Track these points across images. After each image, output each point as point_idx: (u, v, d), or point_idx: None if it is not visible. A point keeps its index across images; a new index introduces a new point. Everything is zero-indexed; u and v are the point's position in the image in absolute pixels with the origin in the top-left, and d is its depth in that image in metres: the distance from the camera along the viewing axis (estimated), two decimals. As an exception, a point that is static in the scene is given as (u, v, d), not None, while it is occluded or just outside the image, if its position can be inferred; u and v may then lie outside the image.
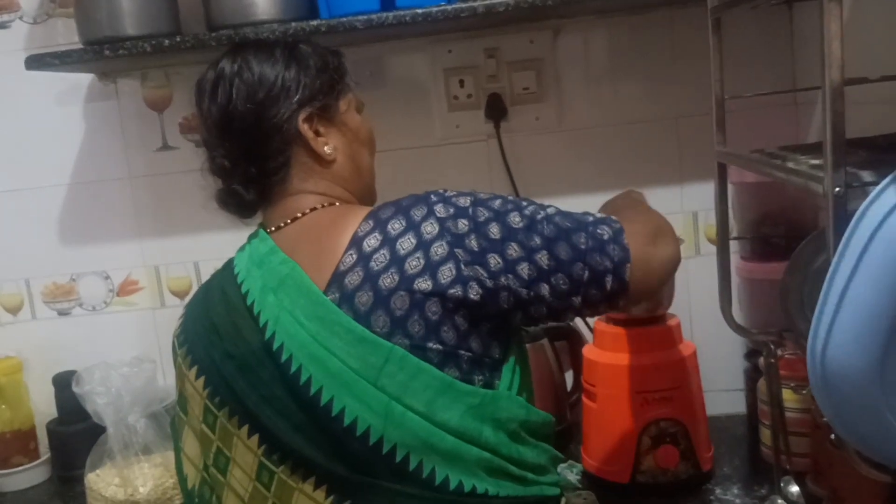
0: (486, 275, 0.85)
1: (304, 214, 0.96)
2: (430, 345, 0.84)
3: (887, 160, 0.69)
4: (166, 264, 1.65)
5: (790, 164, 0.82)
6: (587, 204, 1.54)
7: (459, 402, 0.85)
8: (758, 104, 1.35)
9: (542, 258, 0.87)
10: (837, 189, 0.65)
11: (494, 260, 0.86)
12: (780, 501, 1.03)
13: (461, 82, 1.54)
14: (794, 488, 1.03)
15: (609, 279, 0.88)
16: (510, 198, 0.93)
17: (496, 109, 1.54)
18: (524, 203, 0.92)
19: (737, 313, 1.13)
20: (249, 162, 0.97)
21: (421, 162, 1.58)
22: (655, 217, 1.00)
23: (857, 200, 0.65)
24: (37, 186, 1.65)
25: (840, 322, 0.63)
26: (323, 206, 0.97)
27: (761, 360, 1.34)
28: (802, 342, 0.94)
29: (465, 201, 0.90)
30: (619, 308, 0.94)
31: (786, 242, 1.32)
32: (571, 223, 0.90)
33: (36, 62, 1.37)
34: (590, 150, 1.55)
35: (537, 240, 0.87)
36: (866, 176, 0.68)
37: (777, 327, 1.04)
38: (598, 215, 0.94)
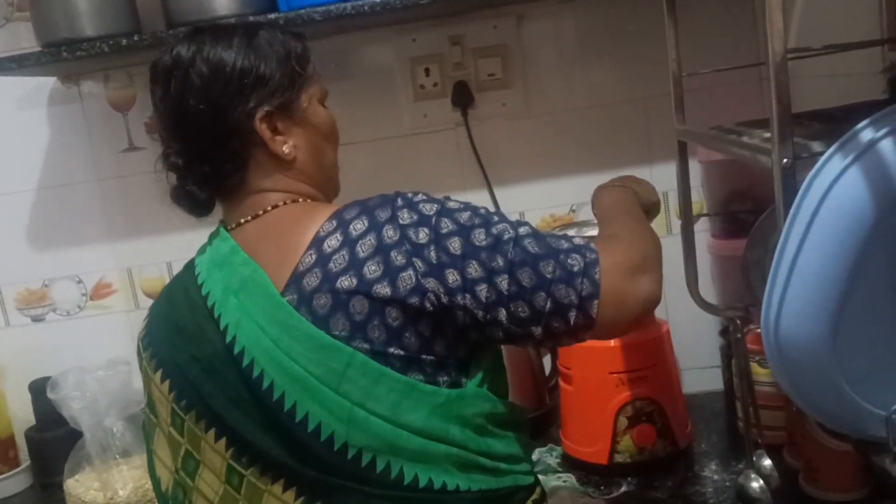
0: (442, 290, 0.82)
1: (265, 212, 0.93)
2: (392, 350, 0.83)
3: (838, 130, 0.69)
4: (139, 266, 1.64)
5: (745, 139, 0.82)
6: (557, 188, 1.57)
7: (423, 403, 0.84)
8: (724, 82, 1.35)
9: (503, 282, 0.83)
10: (785, 161, 0.65)
11: (453, 276, 0.82)
12: (752, 475, 1.03)
13: (426, 71, 1.54)
14: (767, 462, 1.03)
15: (573, 313, 0.83)
16: (481, 210, 0.88)
17: (463, 97, 1.54)
18: (495, 219, 0.87)
19: (710, 291, 1.14)
20: (204, 162, 0.93)
21: (390, 153, 1.57)
22: (642, 240, 0.93)
23: (806, 171, 0.65)
24: (4, 193, 1.63)
25: (791, 292, 0.63)
26: (286, 203, 0.94)
27: (731, 337, 1.34)
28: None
29: (430, 209, 0.86)
30: (580, 341, 0.87)
31: (754, 219, 1.32)
32: (541, 248, 0.85)
33: (-6, 67, 1.36)
34: (558, 135, 1.55)
35: (500, 261, 0.83)
36: (816, 147, 0.68)
37: (745, 303, 1.05)
38: (575, 241, 0.87)
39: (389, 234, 0.84)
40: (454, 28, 1.53)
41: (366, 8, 1.27)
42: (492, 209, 0.91)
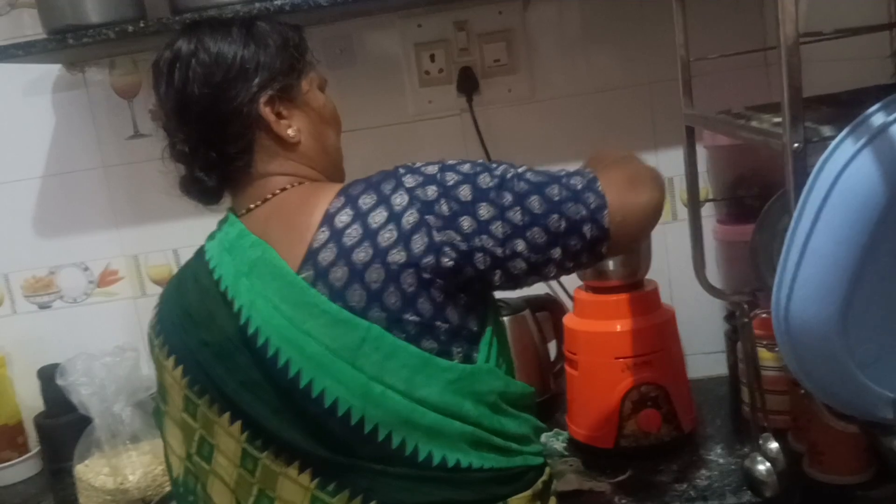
0: (459, 238, 0.85)
1: (273, 195, 0.95)
2: (407, 316, 0.84)
3: (848, 114, 0.69)
4: (145, 253, 1.64)
5: (753, 123, 0.82)
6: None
7: (437, 378, 0.85)
8: (730, 67, 1.35)
9: (515, 214, 0.86)
10: (796, 145, 0.66)
11: (467, 222, 0.85)
12: (759, 458, 1.04)
13: (432, 57, 1.54)
14: (774, 445, 1.04)
15: (587, 227, 0.87)
16: (479, 161, 0.92)
17: (468, 83, 1.54)
18: (493, 165, 0.91)
19: (716, 276, 1.14)
20: (209, 147, 0.94)
21: (395, 139, 1.57)
22: (635, 164, 0.98)
23: (816, 155, 0.66)
24: (10, 180, 1.63)
25: (802, 276, 0.64)
26: (292, 186, 0.96)
27: (738, 322, 1.35)
28: (773, 300, 0.95)
29: (432, 169, 0.89)
30: (602, 257, 0.92)
31: (760, 204, 1.32)
32: (544, 178, 0.89)
33: (0, 54, 1.36)
34: (564, 120, 1.55)
35: (508, 197, 0.86)
36: (826, 131, 0.68)
37: (751, 287, 1.05)
38: (570, 169, 0.92)
39: (398, 200, 0.86)
40: (459, 13, 1.53)
41: (371, -7, 1.27)
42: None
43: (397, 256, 0.84)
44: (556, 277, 1.07)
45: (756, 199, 1.37)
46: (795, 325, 0.65)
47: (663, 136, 1.54)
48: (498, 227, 0.86)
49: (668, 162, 1.54)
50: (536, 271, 0.89)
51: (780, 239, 0.92)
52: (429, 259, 0.84)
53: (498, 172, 0.89)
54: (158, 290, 1.62)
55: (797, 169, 0.65)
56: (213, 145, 0.94)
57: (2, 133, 1.62)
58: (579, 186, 0.88)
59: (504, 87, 1.55)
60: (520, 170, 0.90)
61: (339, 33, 1.54)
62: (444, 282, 0.85)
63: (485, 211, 0.86)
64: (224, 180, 0.97)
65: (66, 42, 1.33)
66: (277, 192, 0.95)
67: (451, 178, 0.88)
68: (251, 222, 0.94)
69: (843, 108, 0.83)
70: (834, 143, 0.62)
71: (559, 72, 1.55)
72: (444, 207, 0.85)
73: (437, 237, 0.84)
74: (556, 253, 0.88)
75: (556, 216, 0.87)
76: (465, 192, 0.86)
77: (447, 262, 0.84)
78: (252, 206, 0.96)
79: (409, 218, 0.85)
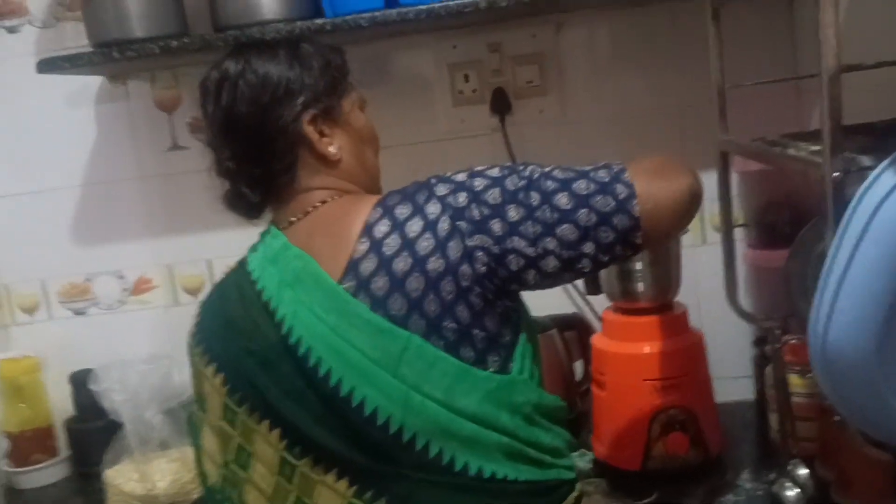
0: (490, 241, 0.86)
1: (314, 208, 0.97)
2: (446, 323, 0.86)
3: (885, 145, 0.70)
4: (179, 262, 1.67)
5: (790, 152, 0.83)
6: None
7: (477, 388, 0.87)
8: (760, 94, 1.36)
9: (545, 212, 0.87)
10: (836, 174, 0.66)
11: (498, 225, 0.87)
12: (788, 484, 1.04)
13: (466, 77, 1.56)
14: (803, 471, 1.04)
15: (618, 218, 0.87)
16: (508, 164, 0.93)
17: (501, 103, 1.55)
18: (521, 166, 0.92)
19: (744, 301, 1.15)
20: (255, 164, 0.97)
21: (427, 157, 1.59)
22: (667, 157, 0.98)
23: (855, 185, 0.66)
24: (51, 188, 1.67)
25: (839, 305, 0.64)
26: (333, 199, 0.98)
27: (769, 347, 1.35)
28: (806, 327, 0.96)
29: (462, 176, 0.91)
30: (639, 248, 0.91)
31: (790, 229, 1.33)
32: (571, 174, 0.90)
33: (47, 65, 1.39)
34: (594, 142, 1.56)
35: (537, 196, 0.88)
36: (864, 161, 0.69)
37: (783, 313, 1.05)
38: (598, 163, 0.93)
39: (431, 209, 0.88)
40: (493, 35, 1.55)
41: (410, 15, 1.29)
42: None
43: (436, 264, 0.86)
44: (594, 272, 1.06)
45: (786, 224, 1.38)
46: (832, 354, 0.65)
47: (693, 159, 1.51)
48: (528, 227, 0.87)
49: (699, 186, 1.55)
50: (570, 267, 0.90)
51: (814, 266, 0.93)
52: (464, 267, 0.86)
53: (526, 173, 0.90)
54: (191, 299, 1.68)
55: (836, 199, 0.66)
56: (259, 162, 0.97)
57: (44, 142, 1.65)
58: (607, 178, 0.89)
59: (536, 108, 1.56)
60: (547, 169, 0.92)
61: (376, 52, 1.57)
62: (481, 289, 0.87)
63: (514, 212, 0.87)
64: (267, 195, 0.99)
65: (111, 55, 1.37)
66: (318, 204, 0.98)
67: (479, 183, 0.90)
68: (294, 235, 0.96)
69: (880, 137, 0.84)
70: (874, 173, 0.63)
71: (590, 94, 1.56)
72: (474, 212, 0.87)
73: (470, 242, 0.86)
74: (589, 247, 0.88)
75: (585, 210, 0.87)
76: (493, 196, 0.88)
77: (481, 267, 0.86)
78: (294, 219, 0.98)
79: (443, 225, 0.87)
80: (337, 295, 0.88)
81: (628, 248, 0.90)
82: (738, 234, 1.48)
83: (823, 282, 0.65)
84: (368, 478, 0.87)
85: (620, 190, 0.88)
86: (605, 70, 1.55)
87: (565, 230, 0.87)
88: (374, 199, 0.94)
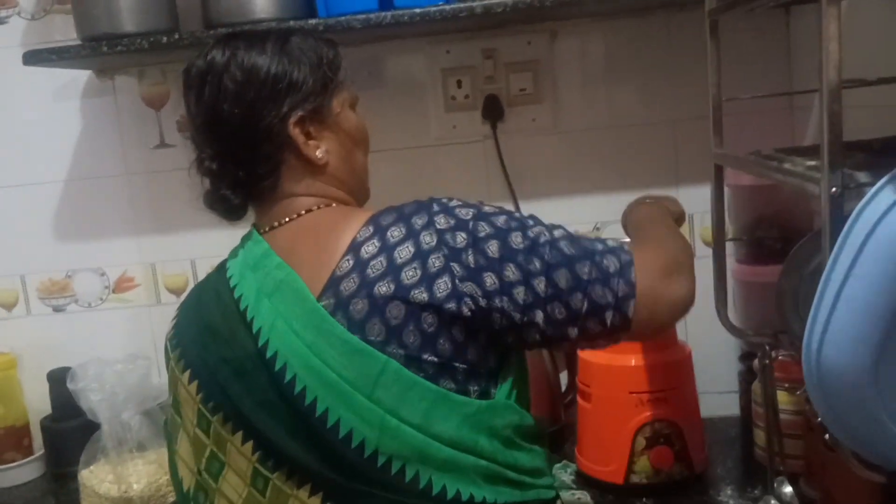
0: (480, 293, 0.83)
1: (299, 215, 0.94)
2: (426, 356, 0.83)
3: (883, 162, 0.69)
4: (162, 261, 1.65)
5: (787, 166, 0.82)
6: (582, 205, 1.57)
7: (455, 413, 0.84)
8: (753, 109, 1.36)
9: (540, 284, 0.84)
10: (834, 189, 0.66)
11: (490, 279, 0.83)
12: (773, 502, 1.03)
13: (458, 83, 1.55)
14: (788, 489, 1.03)
15: (610, 314, 0.84)
16: (516, 215, 0.89)
17: (493, 110, 1.54)
18: (530, 223, 0.88)
19: (732, 316, 1.14)
20: (237, 166, 0.93)
21: (417, 162, 1.58)
22: (675, 245, 0.95)
23: (853, 201, 0.66)
24: (33, 182, 1.64)
25: (835, 322, 0.64)
26: (319, 208, 0.94)
27: (755, 363, 1.34)
28: (797, 343, 0.95)
29: (467, 213, 0.87)
30: (618, 342, 0.89)
31: (781, 245, 1.33)
32: (577, 250, 0.86)
33: (34, 58, 1.37)
34: (586, 153, 1.56)
35: (537, 264, 0.84)
36: (862, 177, 0.68)
37: (772, 329, 1.05)
38: (609, 243, 0.89)
39: (427, 239, 0.85)
40: (488, 42, 1.54)
41: (405, 18, 1.28)
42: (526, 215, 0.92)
43: (420, 296, 0.82)
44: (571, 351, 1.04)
45: (776, 240, 1.38)
46: (826, 371, 0.65)
47: (685, 173, 1.55)
48: (520, 293, 0.83)
49: (690, 199, 1.53)
50: (549, 343, 0.87)
51: (807, 283, 0.92)
52: (450, 305, 0.83)
53: (531, 234, 0.86)
54: (174, 299, 1.66)
55: (834, 215, 0.65)
56: (241, 164, 0.93)
57: (28, 135, 1.63)
58: (611, 269, 0.85)
59: (528, 116, 1.56)
60: (556, 234, 0.88)
61: (368, 55, 1.55)
62: (464, 324, 0.84)
63: (510, 273, 0.84)
64: (249, 198, 0.96)
65: (100, 49, 1.35)
66: (303, 212, 0.94)
67: (482, 229, 0.85)
68: (276, 241, 0.93)
69: (877, 155, 0.84)
70: (873, 189, 0.62)
71: (584, 104, 1.55)
72: (469, 258, 0.84)
73: (460, 286, 0.83)
74: (573, 332, 0.85)
75: (580, 295, 0.84)
76: (493, 248, 0.84)
77: (466, 311, 0.83)
78: (276, 223, 0.95)
79: (436, 261, 0.83)
80: (315, 311, 0.84)
81: (611, 342, 0.88)
82: (728, 248, 1.48)
83: (819, 298, 0.64)
84: (343, 495, 0.84)
85: (622, 288, 0.84)
86: (599, 80, 1.55)
87: (555, 307, 0.84)
88: (367, 214, 0.90)
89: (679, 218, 1.16)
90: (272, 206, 0.96)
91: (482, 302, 0.83)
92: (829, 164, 0.65)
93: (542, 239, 0.86)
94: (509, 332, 0.85)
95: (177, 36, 1.35)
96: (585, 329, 0.85)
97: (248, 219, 1.03)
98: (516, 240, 0.85)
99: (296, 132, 0.93)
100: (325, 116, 0.96)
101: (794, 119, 1.49)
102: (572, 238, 0.88)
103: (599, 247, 0.88)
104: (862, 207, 0.63)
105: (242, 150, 0.93)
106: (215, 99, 0.92)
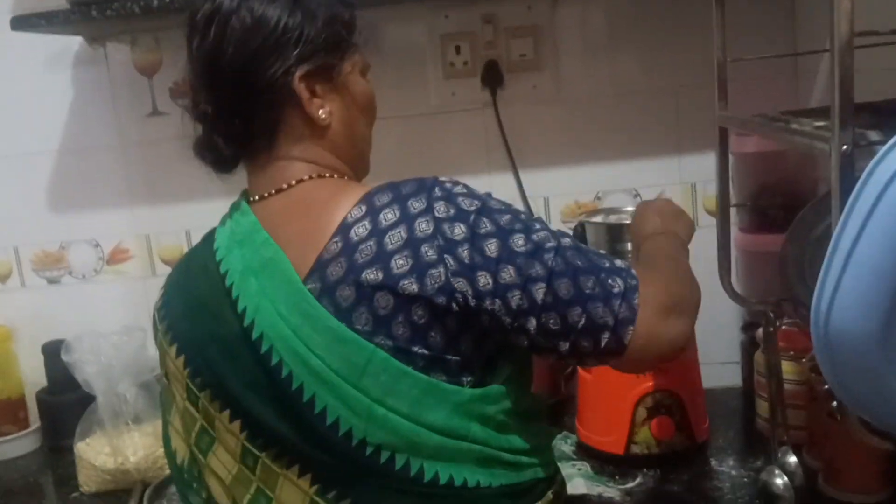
0: (471, 292, 0.79)
1: (289, 186, 0.88)
2: (416, 349, 0.79)
3: (893, 122, 0.67)
4: (157, 233, 1.63)
5: (794, 126, 0.80)
6: (583, 174, 1.55)
7: (446, 402, 0.81)
8: (757, 73, 1.33)
9: (539, 291, 0.79)
10: (845, 147, 0.63)
11: (484, 279, 0.79)
12: (777, 471, 1.02)
13: (457, 49, 1.52)
14: (792, 458, 1.02)
15: (606, 336, 0.80)
16: (522, 216, 0.84)
17: (493, 77, 1.52)
18: (536, 226, 0.83)
19: (734, 285, 1.12)
20: (234, 114, 0.88)
21: (416, 130, 1.55)
22: (683, 283, 0.90)
23: (863, 160, 0.63)
24: (25, 153, 1.62)
25: (845, 284, 0.62)
26: (311, 178, 0.89)
27: (758, 333, 1.33)
28: (802, 311, 0.93)
29: (469, 204, 0.82)
30: (605, 364, 0.84)
31: (783, 214, 1.31)
32: (583, 262, 0.81)
33: (22, 23, 1.34)
34: (587, 120, 1.53)
35: (539, 269, 0.79)
36: (874, 135, 0.66)
37: (776, 297, 1.03)
38: (616, 263, 0.84)
39: (422, 227, 0.80)
40: (487, 6, 1.51)
41: (402, -20, 1.25)
42: (532, 214, 0.88)
43: (410, 287, 0.78)
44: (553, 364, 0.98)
45: (780, 209, 1.36)
46: (835, 336, 0.63)
47: (688, 141, 1.52)
48: (514, 298, 0.79)
49: (692, 168, 1.52)
50: (536, 352, 0.84)
51: (812, 249, 0.91)
52: (441, 299, 0.79)
53: (536, 238, 0.81)
54: (168, 270, 1.62)
55: (844, 173, 0.63)
56: (239, 113, 0.88)
57: (20, 104, 1.60)
58: (615, 290, 0.80)
59: (529, 83, 1.53)
60: (563, 241, 0.83)
61: (365, 21, 1.51)
62: (456, 317, 0.80)
63: (507, 275, 0.79)
64: (242, 153, 0.91)
65: (89, 14, 1.32)
66: (294, 182, 0.89)
67: (483, 225, 0.80)
68: (265, 213, 0.88)
69: (885, 116, 0.81)
70: (886, 147, 0.60)
71: (585, 72, 1.52)
72: (465, 254, 0.79)
73: (452, 281, 0.79)
74: (564, 346, 0.81)
75: (578, 309, 0.79)
76: (492, 247, 0.79)
77: (455, 308, 0.79)
78: (267, 193, 0.89)
79: (429, 251, 0.79)
80: (301, 295, 0.80)
81: (597, 362, 0.85)
82: (730, 217, 1.46)
83: (828, 260, 0.62)
84: (332, 478, 0.82)
85: (623, 311, 0.80)
86: (601, 47, 1.52)
87: (550, 318, 0.80)
88: (361, 190, 0.85)
89: (689, 238, 1.08)
90: (265, 168, 0.90)
91: (472, 301, 0.79)
92: (839, 122, 0.63)
93: (548, 244, 0.81)
94: (496, 334, 0.82)
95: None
96: (577, 345, 0.81)
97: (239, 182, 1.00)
98: (518, 242, 0.80)
99: (301, 87, 0.87)
100: (334, 76, 0.90)
101: (798, 84, 1.46)
102: (579, 248, 0.83)
103: (606, 264, 0.83)
104: (874, 166, 0.60)
105: (242, 98, 0.87)
106: (220, 40, 0.86)
